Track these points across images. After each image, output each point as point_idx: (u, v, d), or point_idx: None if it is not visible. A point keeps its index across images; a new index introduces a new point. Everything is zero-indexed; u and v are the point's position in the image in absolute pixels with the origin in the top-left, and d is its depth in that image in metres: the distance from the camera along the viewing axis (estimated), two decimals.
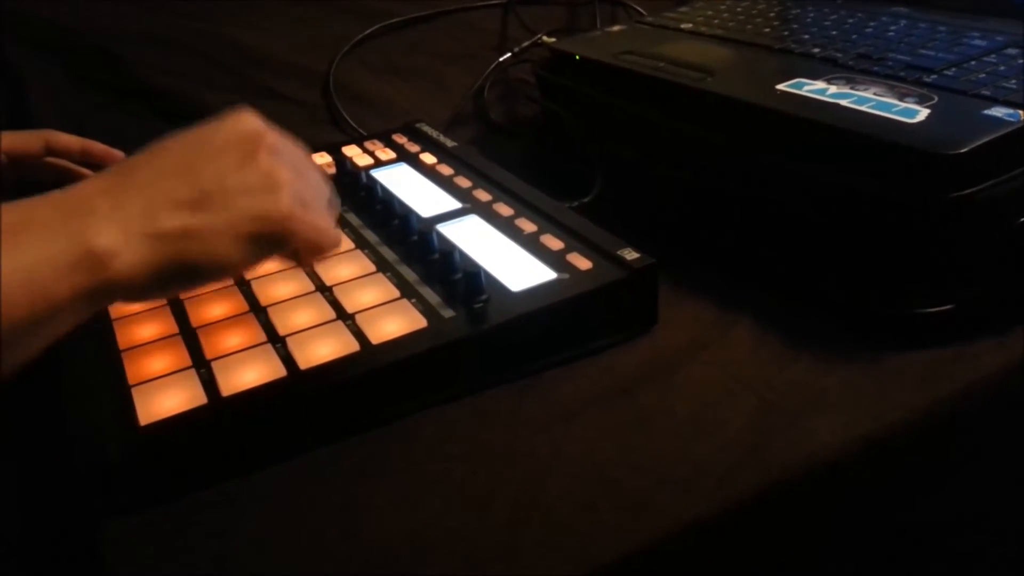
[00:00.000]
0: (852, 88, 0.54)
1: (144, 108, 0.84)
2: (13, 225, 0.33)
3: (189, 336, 0.48)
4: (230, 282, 0.53)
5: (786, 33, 0.68)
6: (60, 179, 0.57)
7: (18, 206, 0.34)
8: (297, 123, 0.82)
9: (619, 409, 0.46)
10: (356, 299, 0.50)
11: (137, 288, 0.35)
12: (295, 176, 0.40)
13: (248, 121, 0.40)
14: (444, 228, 0.57)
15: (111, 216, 0.35)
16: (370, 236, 0.57)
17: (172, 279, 0.36)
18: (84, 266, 0.34)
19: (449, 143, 0.70)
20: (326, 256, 0.43)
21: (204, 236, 0.36)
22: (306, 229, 0.40)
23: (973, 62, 0.56)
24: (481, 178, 0.63)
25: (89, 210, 0.35)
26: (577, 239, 0.53)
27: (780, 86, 0.56)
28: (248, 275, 0.53)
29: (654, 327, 0.52)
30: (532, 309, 0.48)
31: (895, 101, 0.51)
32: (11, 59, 0.86)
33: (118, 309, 0.51)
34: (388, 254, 0.55)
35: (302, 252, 0.42)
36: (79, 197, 0.35)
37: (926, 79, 0.54)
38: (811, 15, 0.72)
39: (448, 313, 0.48)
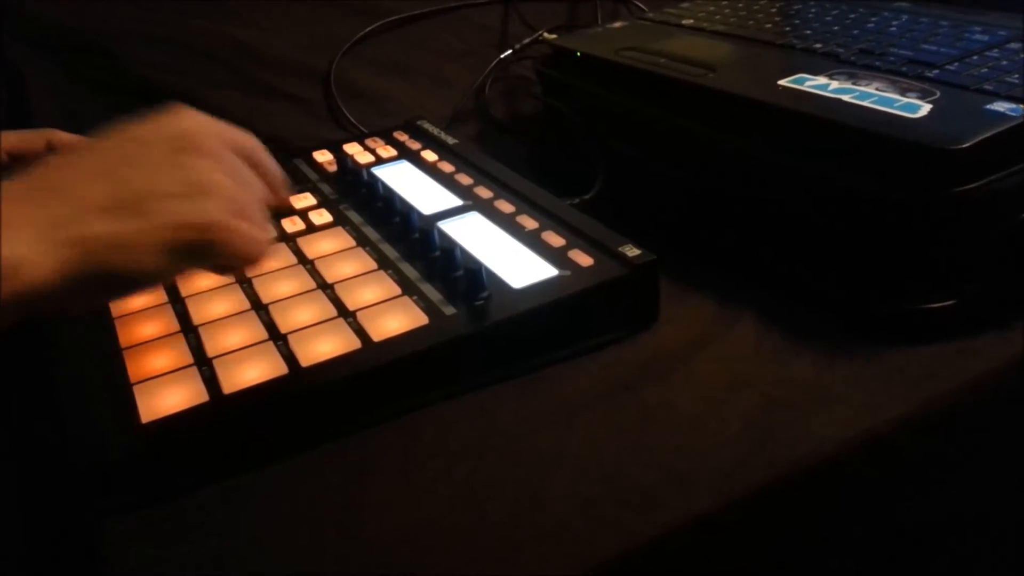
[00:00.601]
0: (854, 83, 0.54)
1: (144, 107, 0.84)
2: None
3: (191, 334, 0.48)
4: (231, 279, 0.53)
5: (788, 28, 0.68)
6: None
7: None
8: (298, 121, 0.83)
9: (621, 406, 0.46)
10: (357, 296, 0.50)
11: (54, 296, 0.33)
12: (228, 180, 0.37)
13: (183, 120, 0.38)
14: (445, 225, 0.56)
15: (24, 223, 0.32)
16: (371, 233, 0.57)
17: (91, 288, 0.34)
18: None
19: (450, 140, 0.70)
20: (253, 267, 0.39)
21: (124, 244, 0.34)
22: (234, 239, 0.37)
23: (975, 57, 0.55)
24: (482, 175, 0.63)
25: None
26: (578, 236, 0.53)
27: (782, 82, 0.56)
28: (250, 273, 0.53)
29: (656, 324, 0.52)
30: (533, 306, 0.47)
31: (897, 96, 0.51)
32: (11, 59, 0.86)
33: (119, 307, 0.51)
34: (389, 251, 0.55)
35: (230, 262, 0.38)
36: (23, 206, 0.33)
37: (928, 74, 0.54)
38: (813, 10, 0.71)
39: (449, 310, 0.48)
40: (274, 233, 0.40)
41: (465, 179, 0.63)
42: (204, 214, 0.36)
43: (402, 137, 0.73)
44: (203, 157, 0.37)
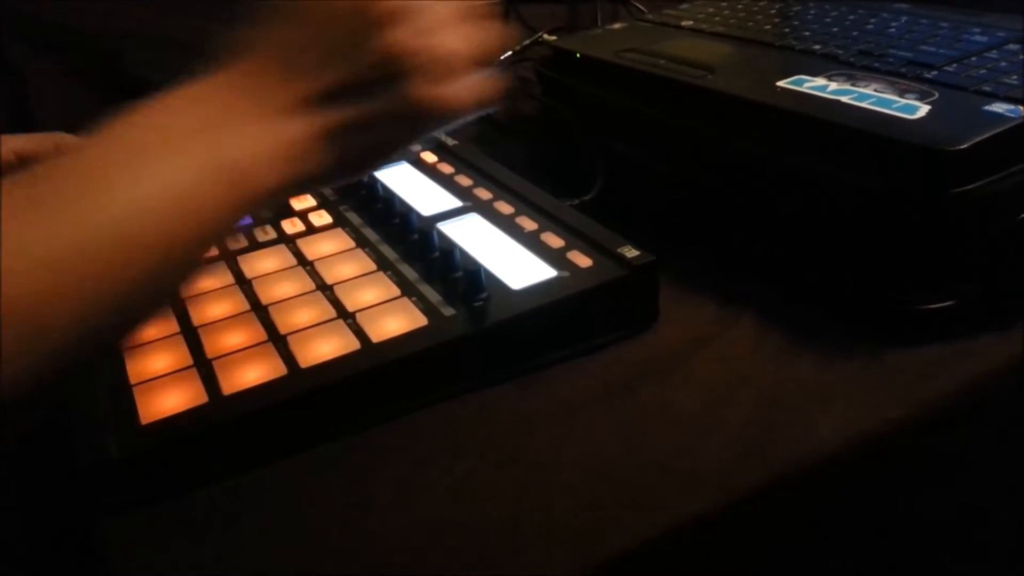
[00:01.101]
0: (853, 85, 0.54)
1: None
2: (150, 145, 0.32)
3: (190, 335, 0.48)
4: (231, 281, 0.53)
5: (787, 30, 0.68)
6: None
7: (148, 123, 0.33)
8: None
9: (620, 406, 0.46)
10: (357, 298, 0.50)
11: (273, 193, 0.35)
12: (425, 42, 0.37)
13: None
14: (444, 226, 0.56)
15: (245, 125, 0.34)
16: (370, 234, 0.57)
17: (306, 182, 0.36)
18: (226, 179, 0.33)
19: (450, 141, 0.70)
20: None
21: (349, 129, 0.36)
22: (444, 94, 0.37)
23: (974, 58, 0.55)
24: (482, 176, 0.63)
25: (224, 120, 0.34)
26: (578, 237, 0.53)
27: (781, 83, 0.56)
28: (249, 275, 0.53)
29: (655, 324, 0.52)
30: (533, 307, 0.48)
31: (896, 97, 0.51)
32: (11, 59, 0.86)
33: None
34: (389, 252, 0.55)
35: (445, 119, 0.39)
36: (212, 106, 0.34)
37: (927, 75, 0.54)
38: (812, 11, 0.71)
39: (449, 311, 0.48)
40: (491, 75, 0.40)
41: (464, 180, 0.63)
42: (419, 88, 0.37)
43: None
44: (394, 25, 0.36)
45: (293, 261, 0.55)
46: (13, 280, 0.27)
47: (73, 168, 0.31)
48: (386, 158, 0.39)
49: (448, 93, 0.38)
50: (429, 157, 0.68)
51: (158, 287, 0.32)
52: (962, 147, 0.44)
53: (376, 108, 0.37)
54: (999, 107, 0.48)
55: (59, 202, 0.29)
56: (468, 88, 0.39)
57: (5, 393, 0.27)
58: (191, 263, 0.34)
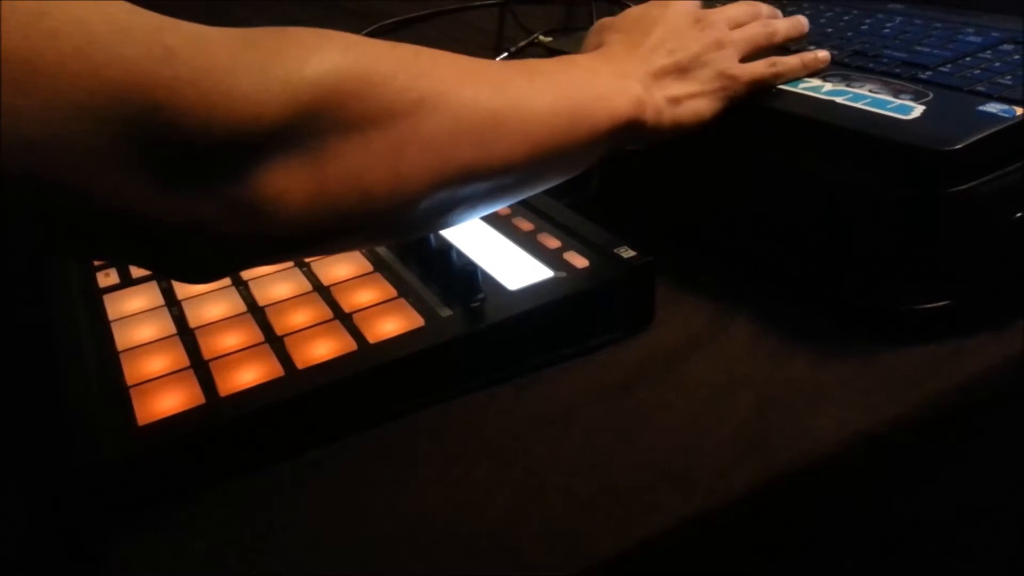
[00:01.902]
0: (848, 85, 0.54)
1: None
2: (587, 68, 0.49)
3: (187, 336, 0.48)
4: (227, 283, 0.53)
5: None
6: None
7: (582, 61, 0.50)
8: None
9: (617, 406, 0.46)
10: (353, 299, 0.50)
11: (646, 135, 0.49)
12: (727, 35, 0.53)
13: (678, 4, 0.54)
14: None
15: (611, 80, 0.48)
16: None
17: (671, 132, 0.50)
18: (634, 103, 0.47)
19: None
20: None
21: (691, 97, 0.51)
22: (748, 71, 0.53)
23: (968, 58, 0.56)
24: None
25: (630, 72, 0.49)
26: (574, 237, 0.53)
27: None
28: (245, 276, 0.53)
29: (651, 325, 0.52)
30: (529, 307, 0.48)
31: (890, 98, 0.51)
32: None
33: (116, 310, 0.51)
34: (385, 253, 0.55)
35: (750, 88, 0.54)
36: (618, 66, 0.50)
37: (921, 76, 0.54)
38: (807, 12, 0.71)
39: (445, 312, 0.48)
40: (779, 66, 0.55)
41: None
42: (730, 61, 0.53)
43: None
44: (712, 23, 0.54)
45: (290, 263, 0.55)
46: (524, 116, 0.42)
47: (542, 67, 0.47)
48: (697, 124, 0.51)
49: (749, 67, 0.53)
50: None
51: (556, 160, 0.45)
52: (957, 147, 0.44)
53: (699, 80, 0.51)
54: (993, 107, 0.48)
55: (530, 79, 0.44)
56: (764, 64, 0.54)
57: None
58: (573, 155, 0.46)
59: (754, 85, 0.53)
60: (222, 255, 0.36)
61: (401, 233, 0.44)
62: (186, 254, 0.35)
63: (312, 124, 0.34)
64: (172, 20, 0.32)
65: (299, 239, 0.36)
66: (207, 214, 0.33)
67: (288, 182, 0.34)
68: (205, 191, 0.33)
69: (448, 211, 0.41)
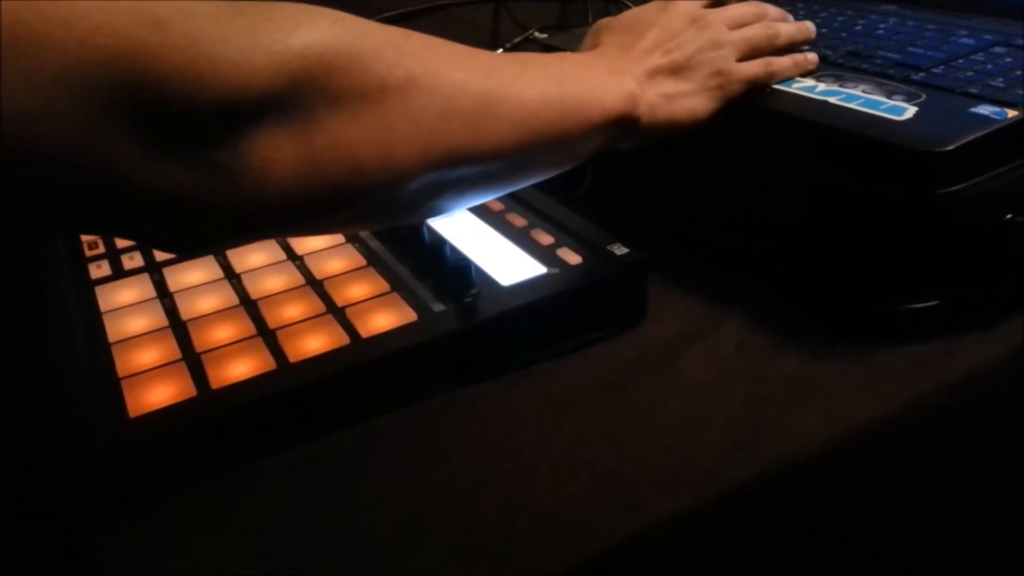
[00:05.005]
0: (841, 85, 0.54)
1: None
2: (581, 64, 0.49)
3: (179, 328, 0.48)
4: (220, 275, 0.53)
5: None
6: None
7: (575, 58, 0.51)
8: None
9: (608, 403, 0.46)
10: (346, 293, 0.50)
11: (640, 133, 0.49)
12: (732, 35, 0.54)
13: (680, 6, 0.54)
14: (434, 222, 0.57)
15: (605, 76, 0.48)
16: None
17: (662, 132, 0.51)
18: (626, 99, 0.47)
19: None
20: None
21: (686, 95, 0.51)
22: (746, 71, 0.54)
23: (961, 60, 0.56)
24: None
25: (624, 70, 0.49)
26: (567, 234, 0.54)
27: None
28: (238, 269, 0.53)
29: (644, 321, 0.52)
30: (522, 303, 0.48)
31: (883, 99, 0.51)
32: None
33: (108, 302, 0.51)
34: (378, 248, 0.55)
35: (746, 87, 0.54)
36: (612, 63, 0.50)
37: (914, 77, 0.54)
38: (801, 12, 0.72)
39: (438, 307, 0.48)
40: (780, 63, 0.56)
41: None
42: (727, 61, 0.53)
43: None
44: (710, 23, 0.54)
45: (283, 255, 0.55)
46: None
47: (535, 58, 0.47)
48: (691, 122, 0.52)
49: (744, 67, 0.54)
50: None
51: (546, 150, 0.45)
52: (949, 148, 0.45)
53: (694, 78, 0.52)
54: (985, 109, 0.48)
55: (522, 67, 0.44)
56: (759, 64, 0.54)
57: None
58: (564, 147, 0.46)
59: (749, 84, 0.54)
60: (210, 225, 0.36)
61: (391, 215, 0.44)
62: (175, 224, 0.35)
63: (300, 94, 0.34)
64: None
65: (288, 212, 0.36)
66: (196, 182, 0.33)
67: (276, 151, 0.34)
68: (193, 158, 0.33)
69: (438, 195, 0.41)
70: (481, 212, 0.58)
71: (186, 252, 0.38)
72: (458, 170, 0.40)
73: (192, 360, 0.45)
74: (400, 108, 0.37)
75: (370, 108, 0.36)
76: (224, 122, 0.33)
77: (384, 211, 0.42)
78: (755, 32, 0.56)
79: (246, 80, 0.32)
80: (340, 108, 0.36)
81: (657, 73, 0.51)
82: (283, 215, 0.36)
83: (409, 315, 0.47)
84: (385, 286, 0.50)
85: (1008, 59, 0.55)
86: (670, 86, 0.51)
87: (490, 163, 0.42)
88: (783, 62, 0.56)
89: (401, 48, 0.38)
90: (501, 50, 0.91)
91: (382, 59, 0.37)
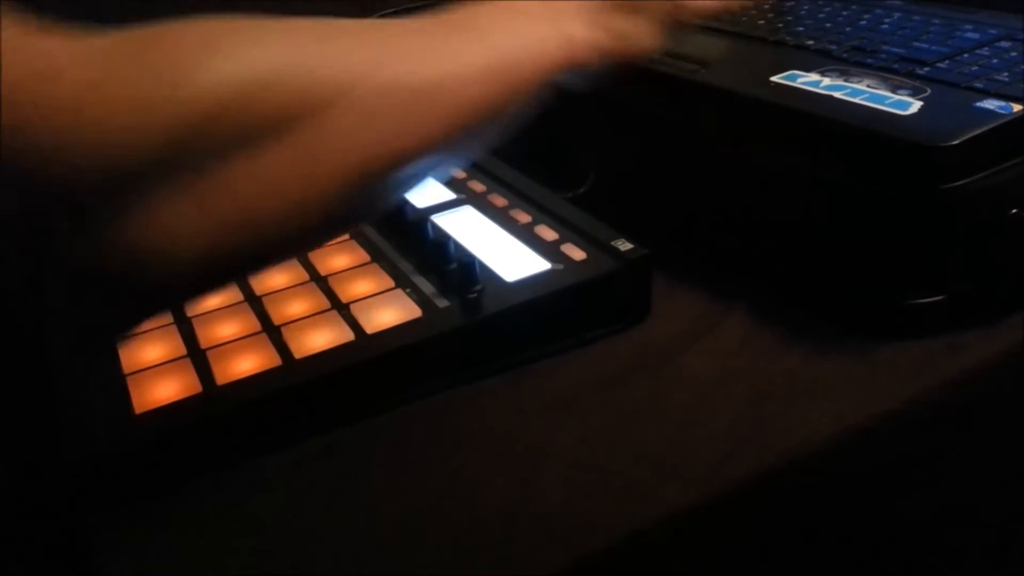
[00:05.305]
0: (846, 80, 0.54)
1: None
2: (508, 11, 0.42)
3: (184, 325, 0.48)
4: None
5: (780, 25, 0.68)
6: None
7: (504, 4, 0.43)
8: None
9: (612, 399, 0.46)
10: (351, 289, 0.50)
11: (589, 75, 0.43)
12: None
13: None
14: (439, 218, 0.57)
15: (574, 18, 0.42)
16: (365, 226, 0.57)
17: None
18: (567, 48, 0.41)
19: None
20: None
21: (637, 31, 0.44)
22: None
23: (966, 55, 0.56)
24: (476, 169, 0.63)
25: (564, 8, 0.43)
26: (571, 230, 0.54)
27: (774, 78, 0.56)
28: None
29: (647, 318, 0.52)
30: (526, 299, 0.48)
31: (888, 93, 0.51)
32: None
33: None
34: (383, 244, 0.55)
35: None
36: (524, 9, 0.43)
37: (919, 71, 0.54)
38: (805, 7, 0.72)
39: (442, 303, 0.48)
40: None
41: (459, 173, 0.63)
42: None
43: None
44: None
45: None
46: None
47: (456, 22, 0.40)
48: (642, 56, 0.46)
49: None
50: None
51: (486, 122, 0.40)
52: (954, 143, 0.45)
53: (644, 10, 0.45)
54: (990, 103, 0.48)
55: (445, 40, 0.38)
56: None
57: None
58: (502, 115, 0.41)
59: (703, 13, 0.47)
60: (143, 301, 0.33)
61: (332, 233, 0.42)
62: (119, 299, 0.32)
63: (197, 149, 0.29)
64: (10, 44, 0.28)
65: (214, 274, 0.33)
66: (105, 263, 0.30)
67: (175, 221, 0.30)
68: (91, 239, 0.29)
69: (374, 199, 0.37)
70: (485, 208, 0.58)
71: (147, 318, 0.36)
72: (389, 175, 0.36)
73: (197, 356, 0.46)
74: (316, 135, 0.32)
75: (281, 145, 0.31)
76: (108, 195, 0.29)
77: (324, 234, 0.40)
78: None
79: (128, 144, 0.28)
80: (233, 158, 0.30)
81: (603, 8, 0.45)
82: (212, 276, 0.33)
83: (414, 311, 0.47)
84: (389, 282, 0.50)
85: (1013, 53, 0.55)
86: (619, 22, 0.45)
87: (425, 157, 0.37)
88: None
89: (315, 59, 0.33)
90: None
91: (293, 83, 0.32)
